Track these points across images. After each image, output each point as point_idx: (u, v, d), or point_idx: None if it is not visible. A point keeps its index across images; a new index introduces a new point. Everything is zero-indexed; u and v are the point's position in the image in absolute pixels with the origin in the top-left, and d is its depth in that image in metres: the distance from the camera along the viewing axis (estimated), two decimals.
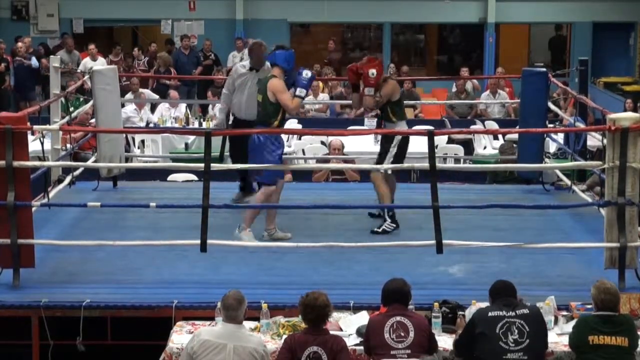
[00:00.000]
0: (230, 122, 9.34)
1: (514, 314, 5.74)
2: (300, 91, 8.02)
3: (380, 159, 8.57)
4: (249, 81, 9.02)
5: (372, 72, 8.45)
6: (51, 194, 8.65)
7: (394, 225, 8.51)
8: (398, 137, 8.45)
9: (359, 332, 6.13)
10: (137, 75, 16.39)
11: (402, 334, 5.70)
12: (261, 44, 9.13)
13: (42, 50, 18.56)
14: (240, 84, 9.08)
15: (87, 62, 17.42)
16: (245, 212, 8.09)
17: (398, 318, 5.76)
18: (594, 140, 10.84)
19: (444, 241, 7.13)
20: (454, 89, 17.61)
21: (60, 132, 9.68)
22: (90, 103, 10.04)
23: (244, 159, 8.30)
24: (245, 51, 19.08)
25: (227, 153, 9.18)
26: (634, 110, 14.97)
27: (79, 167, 9.78)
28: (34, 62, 17.54)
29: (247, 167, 8.08)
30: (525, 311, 5.78)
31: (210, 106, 16.15)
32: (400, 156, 8.51)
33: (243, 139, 8.47)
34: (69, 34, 19.68)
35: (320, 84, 16.86)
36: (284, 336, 5.94)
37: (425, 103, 17.55)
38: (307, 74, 8.05)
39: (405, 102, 15.07)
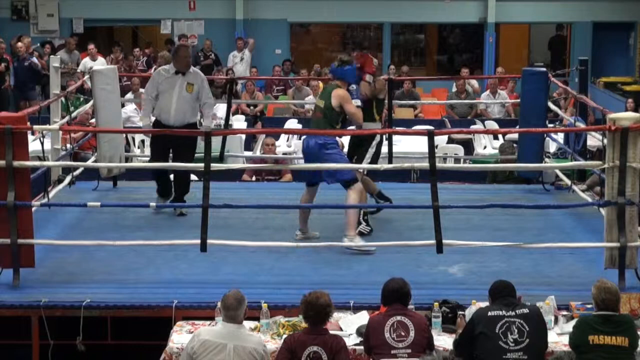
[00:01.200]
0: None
1: (513, 313, 5.74)
2: (356, 101, 8.07)
3: (359, 159, 8.43)
4: (176, 85, 8.88)
5: (375, 60, 8.53)
6: (51, 194, 8.65)
7: (369, 228, 8.42)
8: (377, 138, 8.43)
9: (359, 332, 6.13)
10: (137, 75, 16.37)
11: (403, 334, 5.71)
12: (187, 46, 9.03)
13: (49, 49, 18.55)
14: (166, 88, 8.90)
15: (87, 62, 17.41)
16: (347, 218, 7.91)
17: (398, 318, 5.76)
18: (594, 140, 10.84)
19: (444, 241, 7.13)
20: (454, 89, 17.60)
21: (60, 132, 9.68)
22: (90, 103, 10.04)
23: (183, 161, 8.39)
24: (245, 51, 19.30)
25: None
26: (635, 110, 14.95)
27: (79, 167, 9.78)
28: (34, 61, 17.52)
29: (246, 167, 8.09)
30: (525, 311, 5.78)
31: None
32: (376, 155, 8.50)
33: (189, 142, 8.64)
34: (75, 35, 19.67)
35: (320, 84, 16.83)
36: (284, 336, 5.95)
37: (425, 103, 17.55)
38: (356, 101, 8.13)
39: (405, 102, 15.33)
